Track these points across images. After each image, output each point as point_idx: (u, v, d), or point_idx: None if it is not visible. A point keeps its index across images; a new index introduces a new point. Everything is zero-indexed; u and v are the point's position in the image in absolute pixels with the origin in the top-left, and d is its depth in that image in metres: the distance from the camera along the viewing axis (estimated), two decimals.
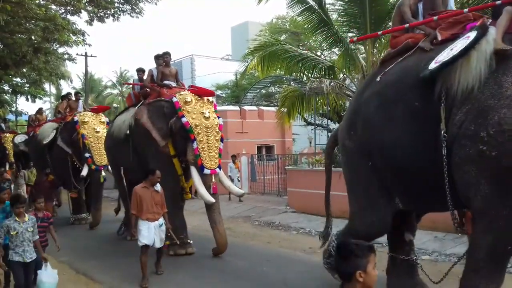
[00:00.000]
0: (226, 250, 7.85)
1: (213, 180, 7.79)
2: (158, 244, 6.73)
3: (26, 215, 5.65)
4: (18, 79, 18.93)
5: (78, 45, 15.15)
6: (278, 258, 7.85)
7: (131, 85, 12.03)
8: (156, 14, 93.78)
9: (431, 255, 7.80)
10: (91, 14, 14.62)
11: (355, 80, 13.92)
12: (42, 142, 12.51)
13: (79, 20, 38.73)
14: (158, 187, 6.75)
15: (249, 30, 35.45)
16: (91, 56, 27.86)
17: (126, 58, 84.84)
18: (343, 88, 13.14)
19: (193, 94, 8.26)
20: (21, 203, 5.60)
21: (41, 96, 20.63)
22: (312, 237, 9.66)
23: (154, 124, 8.12)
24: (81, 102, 13.41)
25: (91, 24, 14.93)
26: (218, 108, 17.79)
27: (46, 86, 27.14)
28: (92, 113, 12.17)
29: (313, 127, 16.58)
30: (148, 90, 9.35)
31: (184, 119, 7.81)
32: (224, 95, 27.06)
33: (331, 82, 12.30)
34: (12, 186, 14.19)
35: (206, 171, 7.74)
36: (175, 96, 8.18)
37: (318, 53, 20.11)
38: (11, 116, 23.44)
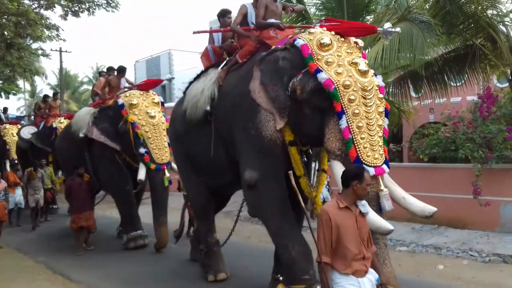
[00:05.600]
0: None
1: (382, 187, 4.21)
2: None
3: None
4: None
5: (52, 40, 14.86)
6: (258, 252, 7.85)
7: (207, 37, 6.82)
8: (133, 9, 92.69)
9: (409, 246, 7.93)
10: (65, 9, 14.33)
11: None
12: (77, 134, 9.08)
13: (53, 15, 37.94)
14: (365, 207, 3.45)
15: None
16: (66, 51, 27.43)
17: (103, 53, 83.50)
18: None
19: (333, 33, 4.74)
20: None
21: (15, 93, 20.13)
22: None
23: (267, 90, 4.74)
24: (124, 79, 9.85)
25: (65, 19, 14.63)
26: None
27: (20, 82, 26.62)
28: (141, 92, 8.71)
29: None
30: (234, 41, 6.17)
31: (322, 76, 4.35)
32: None
33: None
34: (16, 192, 11.29)
35: (369, 171, 3.92)
36: (299, 38, 4.74)
37: None
38: None
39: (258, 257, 7.54)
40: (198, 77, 6.40)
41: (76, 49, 75.00)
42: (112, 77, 9.81)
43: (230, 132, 5.40)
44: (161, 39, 77.70)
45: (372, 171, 4.13)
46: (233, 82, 5.51)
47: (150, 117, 8.21)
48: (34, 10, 13.53)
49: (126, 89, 9.21)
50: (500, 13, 10.37)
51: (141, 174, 8.09)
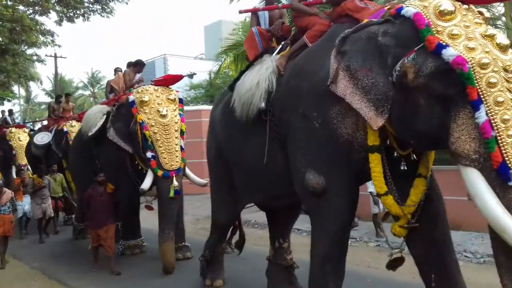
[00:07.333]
0: None
1: None
2: None
3: None
4: None
5: (47, 46, 14.94)
6: (254, 256, 7.84)
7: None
8: (128, 15, 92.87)
9: (404, 249, 7.95)
10: (60, 14, 14.42)
11: None
12: (87, 134, 8.31)
13: (48, 21, 37.89)
14: None
15: (222, 29, 35.44)
16: (61, 57, 27.42)
17: (98, 59, 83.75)
18: None
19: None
20: None
21: (10, 99, 20.12)
22: None
23: (357, 77, 3.50)
24: (139, 75, 8.81)
25: (60, 25, 14.73)
26: (192, 107, 16.47)
27: (15, 88, 26.59)
28: (156, 87, 7.61)
29: None
30: (284, 21, 5.30)
31: (450, 52, 3.04)
32: (198, 94, 27.03)
33: None
34: (24, 200, 10.40)
35: None
36: (407, 5, 3.41)
37: None
38: None
39: (254, 260, 7.55)
40: (251, 65, 4.99)
41: (71, 55, 75.34)
42: (128, 71, 8.83)
43: (293, 131, 4.22)
44: (156, 44, 78.01)
45: None
46: (294, 67, 4.40)
47: (160, 116, 7.14)
48: (29, 16, 13.61)
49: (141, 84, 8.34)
50: (492, 16, 10.48)
51: (146, 182, 7.07)
